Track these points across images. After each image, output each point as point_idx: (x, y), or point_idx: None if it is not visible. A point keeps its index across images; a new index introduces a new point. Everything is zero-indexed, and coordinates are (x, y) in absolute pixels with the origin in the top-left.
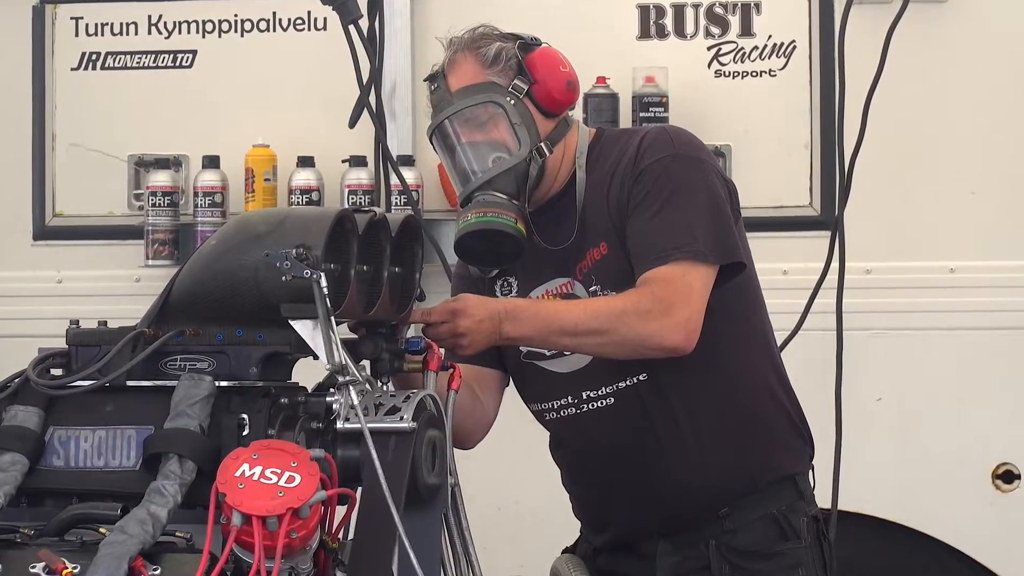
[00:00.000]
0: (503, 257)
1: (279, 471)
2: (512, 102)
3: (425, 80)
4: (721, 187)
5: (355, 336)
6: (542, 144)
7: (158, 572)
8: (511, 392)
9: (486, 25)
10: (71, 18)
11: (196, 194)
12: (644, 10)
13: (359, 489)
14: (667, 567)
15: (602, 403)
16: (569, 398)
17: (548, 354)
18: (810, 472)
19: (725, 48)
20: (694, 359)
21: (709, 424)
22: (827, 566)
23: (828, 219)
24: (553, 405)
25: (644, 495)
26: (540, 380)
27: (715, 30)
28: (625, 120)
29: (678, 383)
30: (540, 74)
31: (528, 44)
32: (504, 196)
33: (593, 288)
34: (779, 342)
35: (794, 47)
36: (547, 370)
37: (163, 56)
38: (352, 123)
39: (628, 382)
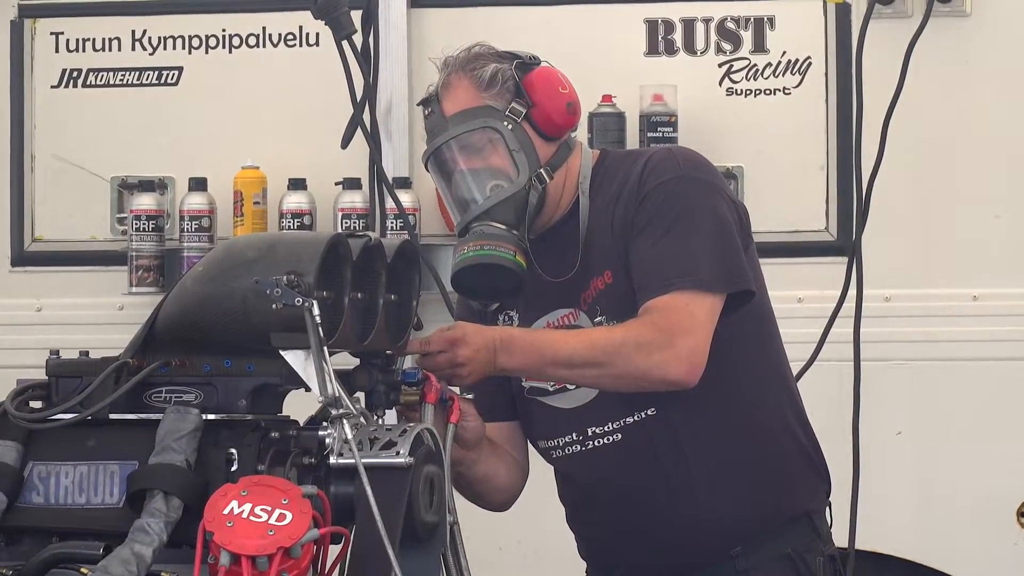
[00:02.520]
0: (501, 292)
1: (269, 508)
2: (510, 127)
3: (419, 104)
4: (730, 211)
5: (349, 367)
6: (542, 170)
7: None
8: None
9: (481, 44)
10: (51, 33)
11: (182, 218)
12: (652, 25)
13: (353, 527)
14: None
15: (608, 439)
16: (574, 435)
17: (551, 389)
18: (827, 509)
19: (737, 65)
20: (705, 393)
21: (721, 461)
22: None
23: (845, 244)
24: (558, 443)
25: (653, 535)
26: (544, 417)
27: (727, 46)
28: (632, 141)
29: (688, 418)
30: (538, 96)
31: (526, 64)
32: (503, 227)
33: (598, 319)
34: (794, 373)
35: (809, 63)
36: (550, 406)
37: (148, 73)
38: (345, 143)
39: (636, 417)
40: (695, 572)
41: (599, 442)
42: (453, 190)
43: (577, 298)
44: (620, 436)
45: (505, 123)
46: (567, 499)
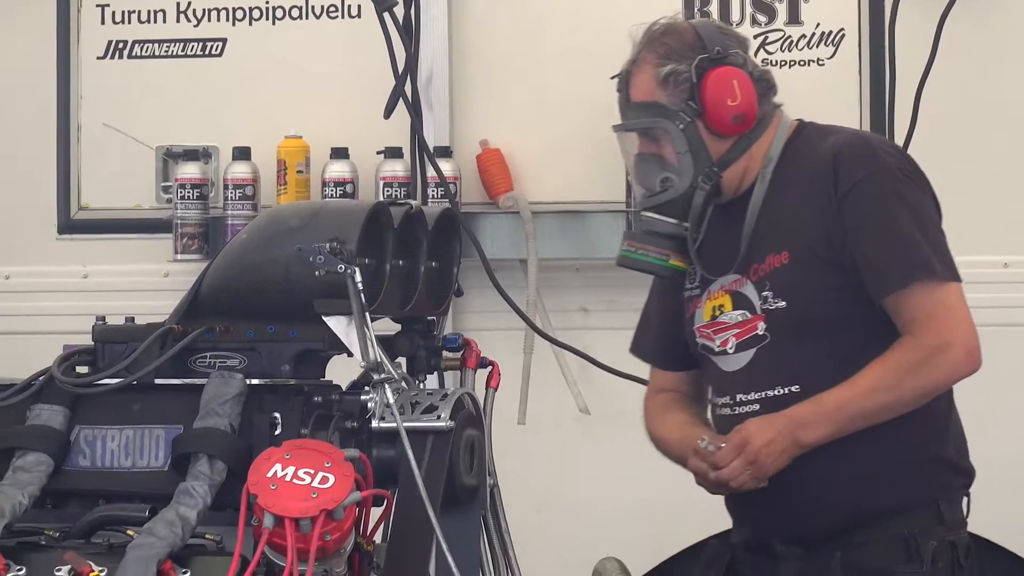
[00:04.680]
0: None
1: (312, 472)
2: (680, 126)
3: (612, 78)
4: (933, 203)
5: (390, 333)
6: (712, 169)
7: (188, 575)
8: (546, 391)
9: (676, 23)
10: (97, 5)
11: (226, 186)
12: None
13: (395, 490)
14: (790, 572)
15: (749, 408)
16: (727, 398)
17: (716, 349)
18: (963, 498)
19: (772, 36)
20: (850, 375)
21: (855, 445)
22: None
23: None
24: (716, 401)
25: (781, 503)
26: (711, 373)
27: (761, 18)
28: None
29: None
30: (708, 103)
31: (711, 60)
32: (671, 221)
33: (765, 293)
34: None
35: (843, 35)
36: (716, 364)
37: (192, 44)
38: (387, 113)
39: (778, 392)
40: (815, 539)
41: (742, 409)
42: (632, 169)
43: (747, 268)
44: (759, 407)
45: (676, 123)
46: None
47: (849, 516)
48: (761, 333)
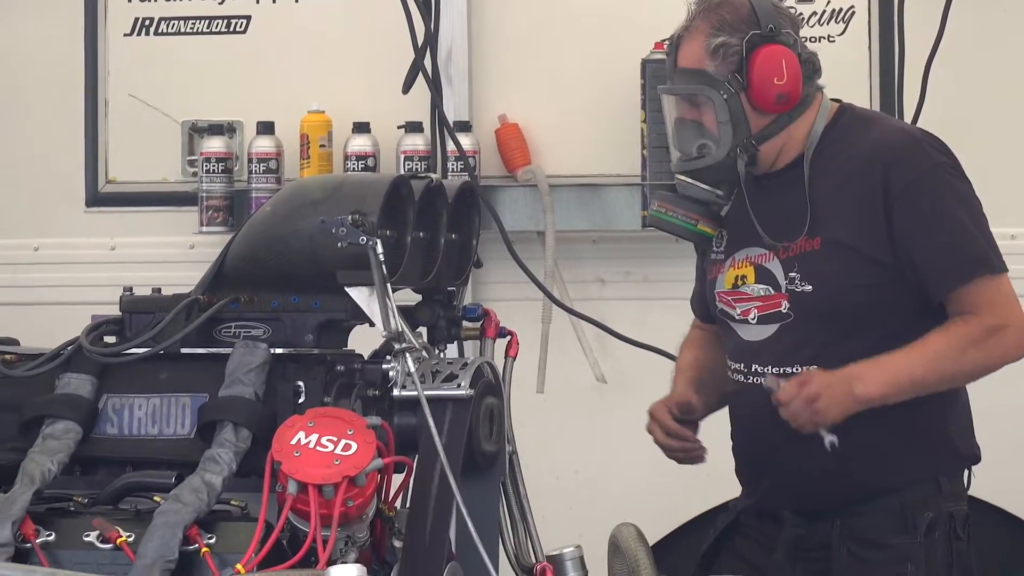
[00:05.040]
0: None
1: (335, 439)
2: (725, 96)
3: (663, 41)
4: (973, 190)
5: (411, 303)
6: (750, 142)
7: (213, 541)
8: (563, 361)
9: None
10: None
11: (251, 160)
12: None
13: (416, 457)
14: (790, 538)
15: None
16: (743, 365)
17: (737, 317)
18: (965, 472)
19: None
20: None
21: (865, 425)
22: (952, 563)
23: None
24: (732, 367)
25: (787, 474)
26: (729, 336)
27: None
28: None
29: None
30: (755, 79)
31: (763, 36)
32: (704, 187)
33: (792, 274)
34: None
35: (853, 12)
36: (734, 331)
37: (217, 22)
38: (406, 88)
39: (796, 369)
40: (816, 508)
41: (756, 379)
42: (673, 131)
43: (777, 245)
44: None
45: (721, 93)
46: (731, 418)
47: (852, 490)
48: (784, 311)
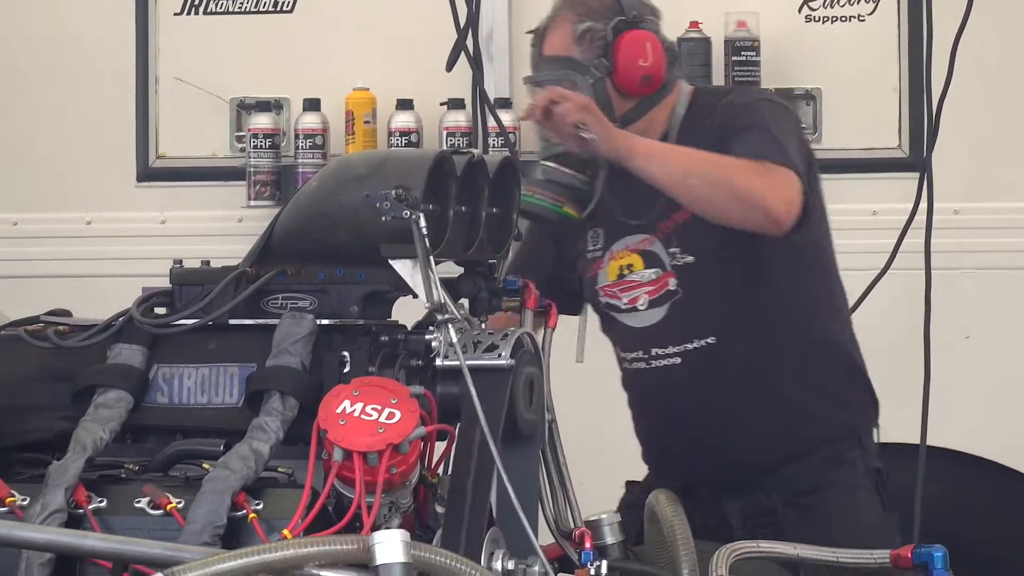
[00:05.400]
0: (555, 228)
1: (379, 408)
2: (590, 81)
3: (528, 33)
4: (801, 131)
5: (453, 275)
6: (614, 125)
7: (260, 507)
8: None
9: None
10: None
11: (297, 136)
12: None
13: (458, 425)
14: (734, 511)
15: (669, 361)
16: (641, 352)
17: (624, 307)
18: (875, 429)
19: None
20: (762, 323)
21: (774, 389)
22: (883, 503)
23: (916, 161)
24: (627, 356)
25: (705, 453)
26: (616, 330)
27: None
28: (717, 64)
29: (746, 347)
30: (620, 62)
31: (626, 22)
32: (568, 171)
33: (672, 249)
34: (869, 281)
35: None
36: (621, 322)
37: (264, 1)
38: (449, 66)
39: (696, 344)
40: (745, 482)
41: (659, 363)
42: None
43: (655, 227)
44: (680, 360)
45: (587, 78)
46: (631, 407)
47: (778, 455)
48: (673, 288)
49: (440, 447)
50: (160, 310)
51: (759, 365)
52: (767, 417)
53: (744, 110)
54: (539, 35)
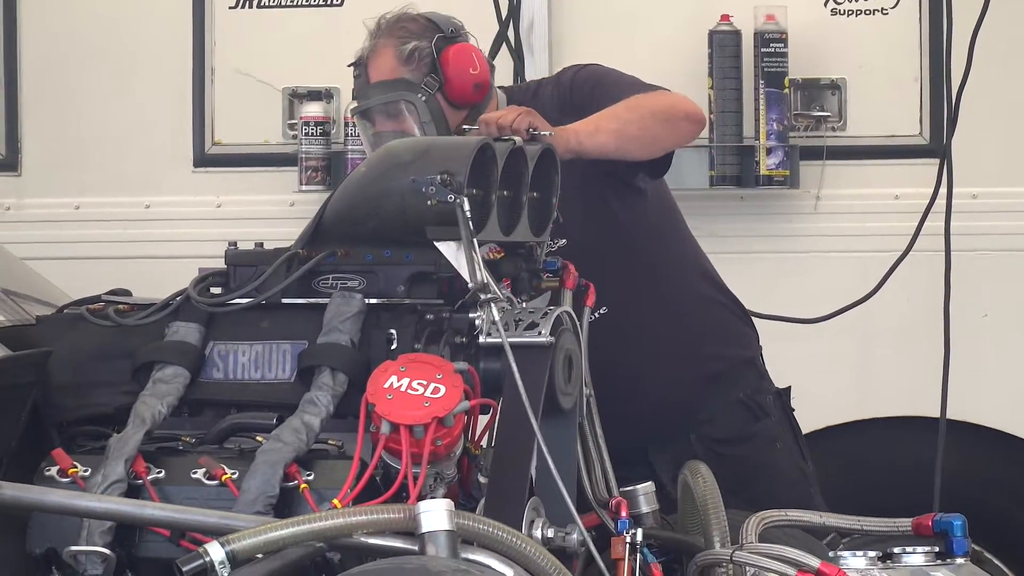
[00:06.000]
0: None
1: (425, 383)
2: (423, 98)
3: (349, 66)
4: None
5: (496, 257)
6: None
7: (311, 477)
8: None
9: (408, 9)
10: None
11: (347, 124)
12: None
13: (500, 399)
14: (662, 464)
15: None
16: None
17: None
18: (761, 354)
19: None
20: (639, 287)
21: (672, 338)
22: (797, 436)
23: (936, 147)
24: None
25: (621, 413)
26: None
27: None
28: (747, 56)
29: (635, 309)
30: (451, 74)
31: (446, 38)
32: None
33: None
34: (891, 262)
35: None
36: None
37: None
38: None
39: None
40: (665, 433)
41: None
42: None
43: None
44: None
45: (420, 95)
46: None
47: (688, 400)
48: None
49: (483, 420)
50: (215, 290)
51: (651, 320)
52: (670, 365)
53: (584, 79)
54: (362, 64)
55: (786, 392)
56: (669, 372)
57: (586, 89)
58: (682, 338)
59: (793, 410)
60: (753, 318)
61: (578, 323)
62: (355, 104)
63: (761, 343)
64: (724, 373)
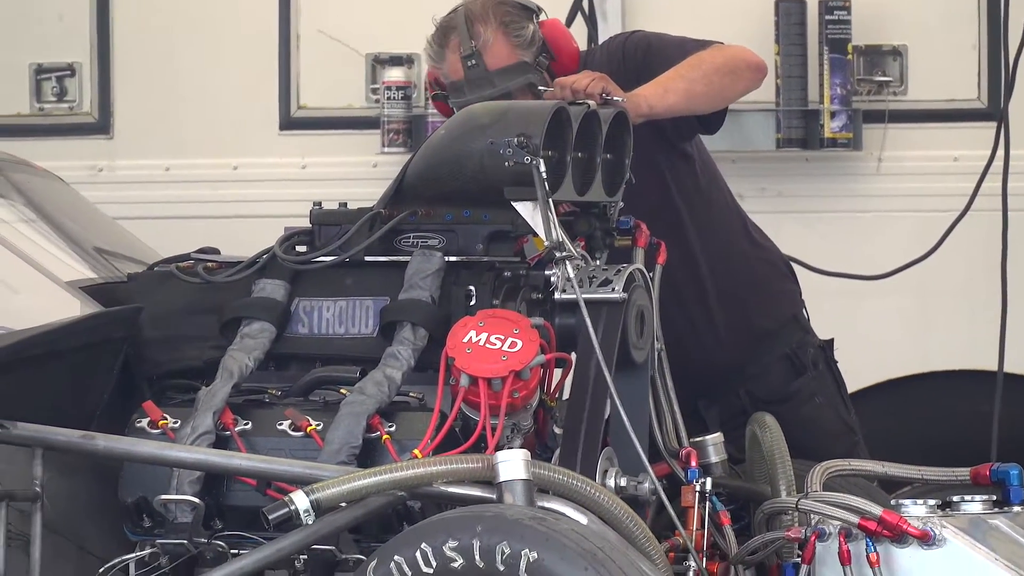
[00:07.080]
0: None
1: (503, 337)
2: (537, 78)
3: (463, 58)
4: None
5: (571, 216)
6: None
7: (393, 429)
8: None
9: None
10: None
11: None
12: None
13: (575, 353)
14: (712, 418)
15: None
16: None
17: None
18: (804, 309)
19: None
20: (689, 247)
21: (715, 298)
22: (840, 388)
23: (994, 111)
24: None
25: (678, 358)
26: None
27: None
28: (812, 24)
29: (682, 271)
30: (562, 49)
31: (537, 15)
32: None
33: None
34: (950, 222)
35: None
36: None
37: None
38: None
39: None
40: (716, 386)
41: None
42: None
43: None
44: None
45: (538, 74)
46: None
47: (739, 355)
48: None
49: (558, 374)
50: (301, 248)
51: (700, 279)
52: (720, 323)
53: (634, 46)
54: (476, 55)
55: (829, 345)
56: (719, 330)
57: (639, 55)
58: (731, 296)
59: (836, 362)
60: (816, 274)
61: (650, 280)
62: (473, 93)
63: (824, 298)
64: (772, 330)
